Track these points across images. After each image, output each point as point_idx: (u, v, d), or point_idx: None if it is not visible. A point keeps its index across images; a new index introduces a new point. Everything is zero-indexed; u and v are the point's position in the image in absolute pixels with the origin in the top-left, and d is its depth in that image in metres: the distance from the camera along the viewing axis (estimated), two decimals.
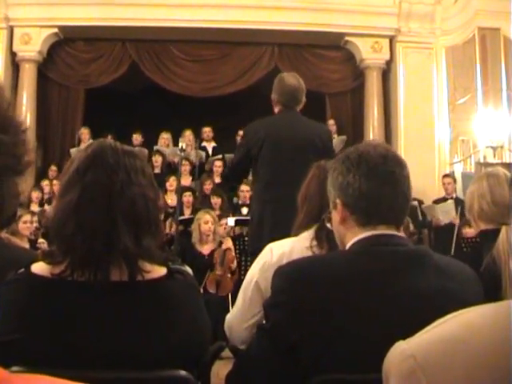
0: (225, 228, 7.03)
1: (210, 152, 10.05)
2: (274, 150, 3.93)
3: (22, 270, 1.53)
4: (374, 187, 1.60)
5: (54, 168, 9.59)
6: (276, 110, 4.13)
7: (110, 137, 8.71)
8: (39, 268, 1.52)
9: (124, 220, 1.49)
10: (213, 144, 10.19)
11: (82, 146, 9.47)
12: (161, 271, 1.55)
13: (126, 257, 1.48)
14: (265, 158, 3.95)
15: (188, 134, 9.61)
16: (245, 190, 8.08)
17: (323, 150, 3.91)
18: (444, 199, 8.71)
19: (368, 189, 1.60)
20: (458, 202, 8.50)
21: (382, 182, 1.60)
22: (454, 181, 8.99)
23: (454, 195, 8.81)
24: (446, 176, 9.05)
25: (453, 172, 9.84)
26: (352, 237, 1.65)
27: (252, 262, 3.93)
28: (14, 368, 1.31)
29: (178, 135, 8.89)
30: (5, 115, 0.78)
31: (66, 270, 1.47)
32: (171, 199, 8.15)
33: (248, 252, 4.27)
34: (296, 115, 4.10)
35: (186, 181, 8.97)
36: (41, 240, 6.52)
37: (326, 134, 4.21)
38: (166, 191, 8.35)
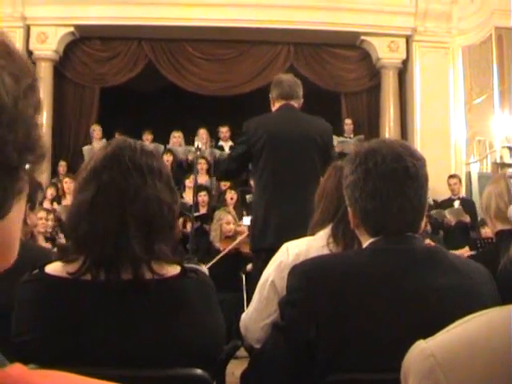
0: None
1: (227, 151, 10.01)
2: (277, 148, 3.88)
3: (37, 270, 1.54)
4: (381, 203, 1.58)
5: (62, 163, 9.63)
6: (276, 106, 4.08)
7: (117, 134, 8.73)
8: (53, 268, 1.52)
9: (135, 223, 1.48)
10: (230, 143, 10.18)
11: (95, 143, 9.51)
12: (174, 270, 1.55)
13: (132, 261, 1.47)
14: (267, 156, 3.89)
15: (202, 133, 9.59)
16: None
17: (324, 147, 3.92)
18: (450, 200, 8.66)
19: (374, 207, 1.59)
20: (465, 202, 8.47)
21: (393, 188, 1.57)
22: (460, 181, 8.95)
23: (461, 195, 8.78)
24: (451, 176, 8.93)
25: (469, 172, 9.78)
26: (366, 239, 1.65)
27: (256, 261, 3.94)
28: (31, 365, 1.32)
29: (191, 134, 8.86)
30: None
31: (79, 270, 1.48)
32: (189, 197, 8.12)
33: (251, 250, 4.22)
34: (296, 112, 4.06)
35: (203, 179, 8.96)
36: (62, 235, 6.54)
37: (327, 132, 4.11)
38: (184, 188, 8.33)
